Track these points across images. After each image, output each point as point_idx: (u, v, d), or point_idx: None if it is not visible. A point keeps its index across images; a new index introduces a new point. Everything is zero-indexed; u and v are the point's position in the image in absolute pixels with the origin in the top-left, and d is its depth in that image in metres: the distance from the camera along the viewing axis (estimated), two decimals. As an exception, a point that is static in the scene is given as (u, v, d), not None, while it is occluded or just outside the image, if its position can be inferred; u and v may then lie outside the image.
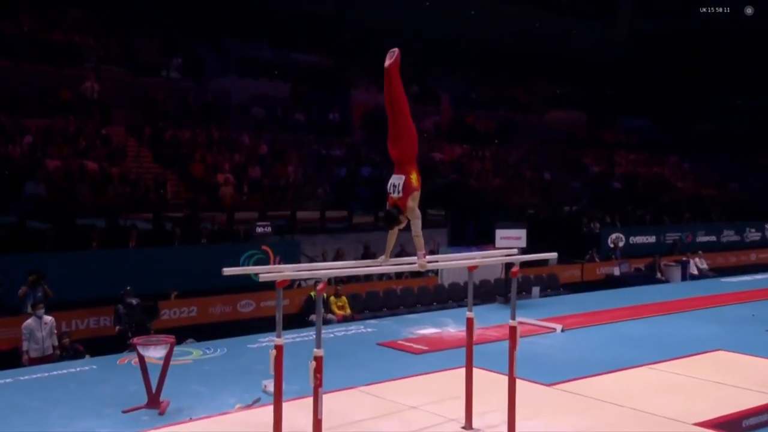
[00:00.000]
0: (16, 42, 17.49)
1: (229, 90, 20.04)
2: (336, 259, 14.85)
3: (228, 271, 5.13)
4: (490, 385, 6.85)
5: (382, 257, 5.56)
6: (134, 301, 9.79)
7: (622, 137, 29.08)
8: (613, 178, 24.59)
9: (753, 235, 23.45)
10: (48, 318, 8.97)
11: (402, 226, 5.24)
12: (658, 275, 17.77)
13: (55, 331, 9.06)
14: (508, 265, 14.10)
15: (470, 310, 6.13)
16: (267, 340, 9.75)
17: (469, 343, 6.10)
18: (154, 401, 6.83)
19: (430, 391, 7.07)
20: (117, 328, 9.80)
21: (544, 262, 16.52)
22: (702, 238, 21.84)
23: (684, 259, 18.67)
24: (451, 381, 7.21)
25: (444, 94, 24.55)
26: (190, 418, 6.45)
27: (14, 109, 15.58)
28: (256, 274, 13.06)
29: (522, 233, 12.69)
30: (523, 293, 14.47)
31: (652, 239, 20.61)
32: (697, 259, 18.97)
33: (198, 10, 22.18)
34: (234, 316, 12.15)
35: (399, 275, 15.30)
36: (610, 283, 16.88)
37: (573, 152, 25.54)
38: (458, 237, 17.87)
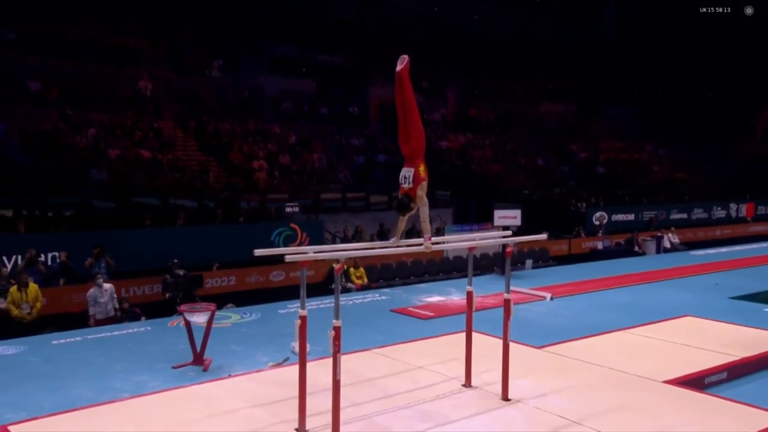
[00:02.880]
0: (82, 46, 17.63)
1: (263, 86, 20.07)
2: (355, 235, 14.89)
3: (259, 252, 5.16)
4: (488, 347, 6.86)
5: (394, 239, 5.56)
6: (181, 272, 9.88)
7: (606, 126, 28.72)
8: (598, 164, 24.33)
9: (719, 212, 23.22)
10: (107, 285, 9.10)
11: (413, 212, 5.22)
12: (636, 249, 17.62)
13: (115, 296, 9.20)
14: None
15: (470, 285, 6.11)
16: (295, 307, 9.81)
17: (468, 314, 6.10)
18: (198, 359, 6.92)
19: (435, 353, 7.09)
20: (167, 294, 9.91)
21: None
22: (674, 216, 21.65)
23: (659, 234, 18.50)
24: (453, 344, 7.23)
25: (450, 89, 24.32)
26: (229, 375, 6.53)
27: (80, 105, 15.70)
28: (288, 247, 13.06)
29: (517, 213, 12.60)
30: (518, 265, 14.39)
31: (631, 217, 20.44)
32: (670, 234, 18.77)
33: (236, 17, 22.11)
34: (267, 284, 12.24)
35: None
36: (594, 255, 16.75)
37: (563, 140, 25.26)
38: (462, 215, 17.83)
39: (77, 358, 7.10)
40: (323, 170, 17.21)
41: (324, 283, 12.29)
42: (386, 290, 11.56)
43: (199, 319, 6.97)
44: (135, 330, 8.39)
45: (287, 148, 17.56)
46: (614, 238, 18.21)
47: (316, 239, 13.88)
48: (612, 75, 31.32)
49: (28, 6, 18.11)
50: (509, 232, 6.45)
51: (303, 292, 5.21)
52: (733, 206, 23.53)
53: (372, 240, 14.61)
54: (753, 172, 26.63)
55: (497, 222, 12.58)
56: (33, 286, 8.89)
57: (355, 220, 15.56)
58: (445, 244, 6.40)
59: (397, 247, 5.57)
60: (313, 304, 9.80)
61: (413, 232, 16.01)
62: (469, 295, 6.05)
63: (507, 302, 5.74)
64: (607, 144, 26.60)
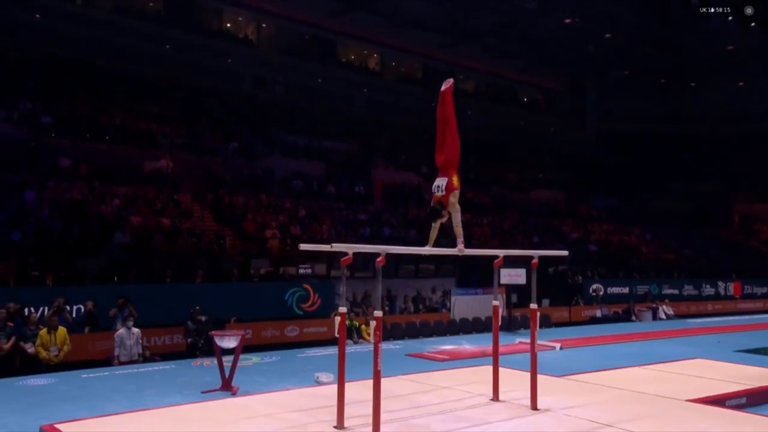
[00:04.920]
0: (110, 130, 18.34)
1: (275, 168, 20.55)
2: (364, 299, 14.84)
3: (304, 246, 5.23)
4: (509, 376, 6.78)
5: (428, 246, 5.68)
6: (203, 318, 9.78)
7: (594, 212, 29.29)
8: (589, 243, 24.58)
9: (708, 290, 23.25)
10: (136, 330, 8.99)
11: (444, 219, 5.36)
12: (633, 318, 17.51)
13: (141, 341, 9.04)
14: (509, 304, 14.25)
15: (496, 300, 6.16)
16: (313, 352, 9.68)
17: (495, 326, 6.11)
18: (227, 385, 6.78)
19: (458, 379, 6.98)
20: (188, 340, 9.75)
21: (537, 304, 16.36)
22: (666, 291, 21.60)
23: (654, 305, 18.46)
24: (475, 373, 7.15)
25: (448, 175, 24.92)
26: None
27: (107, 180, 16.11)
28: (300, 307, 12.83)
29: (522, 272, 12.69)
30: (521, 329, 14.30)
31: (625, 290, 20.38)
32: (664, 306, 18.72)
33: (250, 106, 23.19)
34: (282, 339, 12.04)
35: (417, 311, 15.26)
36: (593, 322, 16.65)
37: (555, 222, 25.67)
38: (464, 283, 17.81)
39: (107, 387, 6.94)
40: (332, 240, 17.31)
41: (337, 338, 12.09)
42: (399, 341, 11.44)
43: (229, 343, 6.89)
44: (160, 368, 8.23)
45: (297, 220, 17.79)
46: (612, 308, 18.13)
47: (327, 300, 13.80)
48: (595, 168, 32.48)
49: (64, 94, 19.02)
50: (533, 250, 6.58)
51: (343, 289, 5.27)
52: (721, 284, 23.66)
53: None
54: (733, 257, 27.06)
55: (503, 281, 12.63)
56: (62, 330, 8.76)
57: (363, 285, 15.52)
58: (476, 251, 6.48)
59: (431, 251, 5.68)
60: (331, 350, 9.68)
61: (418, 296, 16.06)
62: (495, 309, 6.08)
63: (534, 312, 5.77)
64: (596, 227, 27.02)
